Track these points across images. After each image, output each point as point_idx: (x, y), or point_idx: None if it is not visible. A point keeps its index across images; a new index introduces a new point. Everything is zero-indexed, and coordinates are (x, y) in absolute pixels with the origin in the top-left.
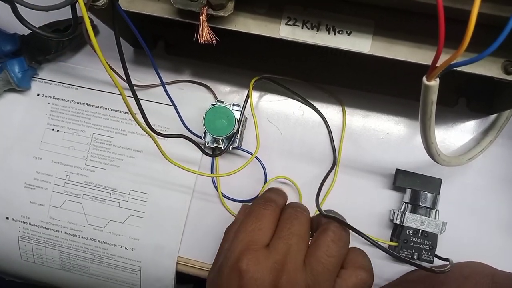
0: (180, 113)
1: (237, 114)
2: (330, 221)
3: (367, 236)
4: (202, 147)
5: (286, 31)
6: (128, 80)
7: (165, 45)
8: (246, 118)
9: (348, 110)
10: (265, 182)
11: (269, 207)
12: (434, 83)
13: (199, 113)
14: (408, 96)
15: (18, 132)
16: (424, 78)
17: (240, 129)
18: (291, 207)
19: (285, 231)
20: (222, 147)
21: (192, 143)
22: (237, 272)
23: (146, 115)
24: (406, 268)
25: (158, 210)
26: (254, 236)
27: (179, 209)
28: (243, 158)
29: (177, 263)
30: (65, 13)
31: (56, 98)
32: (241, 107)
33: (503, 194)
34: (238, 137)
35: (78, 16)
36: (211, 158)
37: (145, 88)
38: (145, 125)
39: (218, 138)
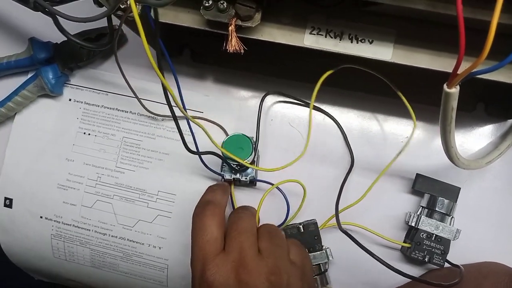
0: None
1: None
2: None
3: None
4: (226, 169)
5: (310, 40)
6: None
7: (191, 53)
8: (259, 150)
9: (367, 115)
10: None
11: (207, 211)
12: (455, 90)
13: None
14: (428, 101)
15: (51, 136)
16: (445, 86)
17: (255, 159)
18: (233, 212)
19: (233, 232)
20: (240, 178)
21: (221, 158)
22: (205, 285)
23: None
24: (416, 272)
25: (184, 210)
26: (206, 249)
27: None
28: (259, 189)
29: None
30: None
31: (87, 103)
32: (255, 136)
33: None
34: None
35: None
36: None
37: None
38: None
39: (235, 166)
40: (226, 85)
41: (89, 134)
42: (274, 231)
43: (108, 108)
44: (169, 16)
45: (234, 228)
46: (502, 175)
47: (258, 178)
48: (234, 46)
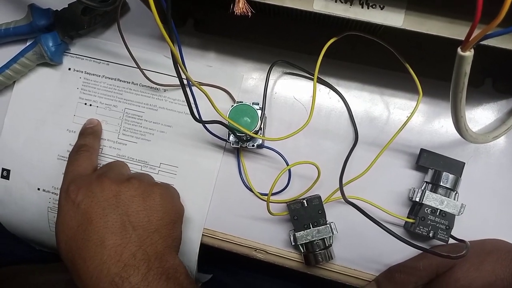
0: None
1: (258, 112)
2: None
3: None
4: (233, 137)
5: (320, 5)
6: (178, 75)
7: (194, 22)
8: (266, 116)
9: (373, 89)
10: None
11: (82, 152)
12: (469, 53)
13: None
14: (435, 75)
15: (51, 106)
16: (459, 49)
17: (262, 125)
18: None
19: (109, 163)
20: (248, 146)
21: (227, 128)
22: (69, 197)
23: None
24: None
25: (186, 183)
26: (74, 172)
27: (206, 182)
28: (264, 156)
29: (203, 234)
30: None
31: (87, 73)
32: (261, 104)
33: None
34: (262, 134)
35: None
36: (235, 152)
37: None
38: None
39: (242, 137)
40: (230, 56)
41: (90, 105)
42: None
43: (109, 78)
44: None
45: (109, 162)
46: (508, 151)
47: (265, 144)
48: (242, 8)
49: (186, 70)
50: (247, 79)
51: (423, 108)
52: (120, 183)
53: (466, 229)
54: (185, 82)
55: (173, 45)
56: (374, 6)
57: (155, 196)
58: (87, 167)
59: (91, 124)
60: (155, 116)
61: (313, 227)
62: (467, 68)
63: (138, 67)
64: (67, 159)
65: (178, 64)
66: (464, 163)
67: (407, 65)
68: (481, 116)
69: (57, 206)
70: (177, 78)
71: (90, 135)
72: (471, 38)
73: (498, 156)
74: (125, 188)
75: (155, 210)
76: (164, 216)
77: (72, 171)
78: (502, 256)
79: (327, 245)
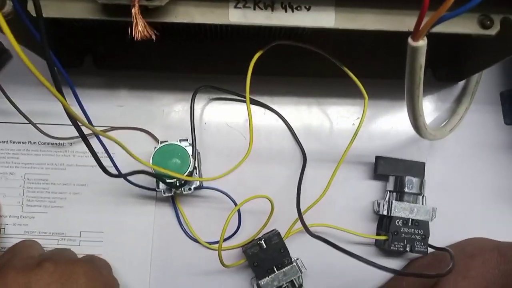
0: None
1: (188, 150)
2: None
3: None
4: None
5: (237, 15)
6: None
7: (93, 59)
8: (199, 152)
9: (312, 101)
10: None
11: None
12: (423, 42)
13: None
14: (374, 74)
15: None
16: (409, 40)
17: (196, 164)
18: None
19: (13, 246)
20: (183, 191)
21: (154, 177)
22: None
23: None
24: (398, 264)
25: (116, 249)
26: None
27: (141, 244)
28: (205, 197)
29: None
30: None
31: None
32: (191, 140)
33: (486, 161)
34: (197, 174)
35: None
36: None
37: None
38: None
39: (174, 183)
40: (145, 90)
41: None
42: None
43: None
44: (51, 8)
45: (13, 245)
46: (461, 140)
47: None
48: (142, 32)
49: (86, 113)
50: (169, 113)
51: (370, 111)
52: (29, 271)
53: (441, 233)
54: (88, 132)
55: (60, 90)
56: (299, 8)
57: (78, 277)
58: None
59: None
60: (64, 177)
61: (277, 270)
62: (422, 59)
63: (30, 121)
64: None
65: (68, 110)
66: (424, 162)
67: (345, 69)
68: (428, 109)
69: None
70: (83, 128)
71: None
72: (422, 25)
73: (454, 148)
74: (37, 276)
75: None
76: None
77: None
78: (487, 257)
79: (297, 286)
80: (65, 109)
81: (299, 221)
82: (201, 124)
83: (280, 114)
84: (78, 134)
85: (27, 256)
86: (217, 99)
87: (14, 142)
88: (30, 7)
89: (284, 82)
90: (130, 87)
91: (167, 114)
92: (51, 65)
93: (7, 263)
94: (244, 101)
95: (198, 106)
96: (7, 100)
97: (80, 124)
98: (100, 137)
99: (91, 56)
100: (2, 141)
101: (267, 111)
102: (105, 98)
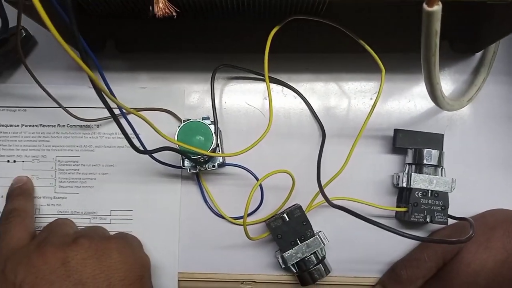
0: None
1: (211, 127)
2: None
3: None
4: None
5: None
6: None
7: (115, 43)
8: (220, 130)
9: (329, 77)
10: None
11: (12, 220)
12: (437, 7)
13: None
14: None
15: None
16: (424, 5)
17: (218, 141)
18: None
19: (48, 224)
20: (208, 168)
21: (179, 153)
22: (4, 279)
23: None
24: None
25: (146, 226)
26: (8, 247)
27: (169, 221)
28: (228, 174)
29: (178, 280)
30: None
31: (3, 126)
32: (212, 118)
33: (505, 131)
34: (220, 152)
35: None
36: (194, 177)
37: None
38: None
39: (198, 159)
40: (165, 72)
41: (14, 161)
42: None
43: (30, 126)
44: None
45: (49, 224)
46: (480, 111)
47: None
48: (163, 9)
49: (114, 95)
50: (189, 94)
51: (384, 86)
52: (66, 247)
53: (461, 205)
54: (117, 112)
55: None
56: None
57: (112, 253)
58: (21, 237)
59: (18, 183)
60: (93, 158)
61: (301, 242)
62: (437, 25)
63: (60, 105)
64: None
65: (101, 91)
66: (443, 134)
67: (362, 42)
68: (445, 81)
69: None
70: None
71: (19, 196)
72: None
73: (473, 119)
74: (73, 252)
75: (115, 269)
76: (128, 274)
77: (4, 246)
78: (509, 229)
79: (320, 258)
80: (98, 89)
81: (319, 195)
82: (220, 103)
83: (298, 91)
84: (105, 116)
85: (63, 233)
86: (236, 78)
87: (44, 125)
88: None
89: (301, 59)
90: (150, 70)
91: (188, 95)
92: (81, 49)
93: (45, 240)
94: (262, 79)
95: (217, 86)
96: (35, 85)
97: (110, 103)
98: (127, 117)
99: (112, 40)
100: (33, 125)
101: (285, 89)
102: (127, 81)
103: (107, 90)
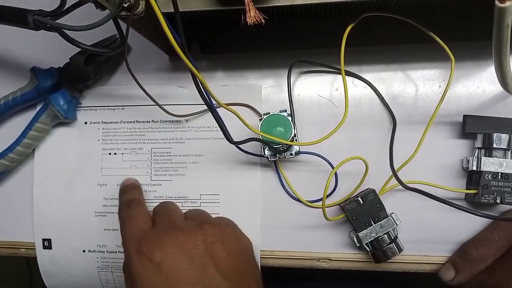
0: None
1: (289, 119)
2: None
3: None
4: (268, 151)
5: None
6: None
7: (200, 46)
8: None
9: (397, 67)
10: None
11: (134, 207)
12: (509, 3)
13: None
14: (459, 37)
15: (76, 164)
16: (496, 1)
17: (295, 132)
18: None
19: (160, 210)
20: (286, 156)
21: (263, 143)
22: (145, 259)
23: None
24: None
25: (231, 209)
26: (137, 229)
27: (251, 204)
28: (302, 161)
29: (261, 257)
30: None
31: (104, 123)
32: (289, 110)
33: None
34: (297, 141)
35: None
36: (271, 165)
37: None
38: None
39: (278, 148)
40: (242, 70)
41: (115, 153)
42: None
43: (127, 122)
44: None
45: (160, 208)
46: None
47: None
48: (254, 17)
49: (207, 91)
50: (265, 89)
51: (456, 73)
52: (195, 232)
53: None
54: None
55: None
56: None
57: (230, 238)
58: (145, 221)
59: (129, 181)
60: (183, 149)
61: (374, 223)
62: (509, 19)
63: (156, 103)
64: (119, 219)
65: (205, 89)
66: None
67: (432, 34)
68: None
69: (107, 264)
70: (196, 106)
71: (133, 190)
72: None
73: None
74: (203, 236)
75: (235, 251)
76: (245, 254)
77: (132, 228)
78: None
79: (393, 238)
80: (201, 84)
81: (392, 180)
82: (294, 96)
83: (369, 81)
84: (192, 112)
85: (177, 215)
86: (307, 72)
87: (140, 121)
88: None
89: (371, 51)
90: (226, 68)
91: (263, 89)
92: (186, 54)
93: (173, 225)
94: (332, 72)
95: (291, 80)
96: (131, 86)
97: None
98: (218, 111)
99: (197, 43)
100: (130, 121)
101: (356, 80)
102: (211, 79)
103: (206, 84)
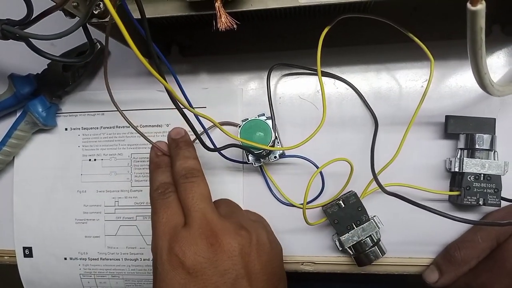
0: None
1: (268, 123)
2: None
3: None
4: (251, 157)
5: None
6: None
7: (179, 49)
8: (276, 124)
9: (378, 67)
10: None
11: (168, 194)
12: (481, 6)
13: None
14: (437, 36)
15: (56, 171)
16: (468, 4)
17: (276, 135)
18: (181, 176)
19: (190, 201)
20: (270, 159)
21: (243, 149)
22: (176, 261)
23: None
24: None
25: None
26: (169, 225)
27: None
28: (287, 164)
29: None
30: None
31: (85, 129)
32: (269, 113)
33: None
34: (279, 144)
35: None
36: (256, 169)
37: None
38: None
39: (261, 153)
40: (223, 73)
41: (95, 159)
42: (228, 200)
43: (107, 128)
44: (148, 10)
45: (190, 197)
46: None
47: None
48: (225, 23)
49: (187, 98)
50: (246, 92)
51: (436, 72)
52: (232, 239)
53: None
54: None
55: (164, 77)
56: None
57: (265, 247)
58: (181, 214)
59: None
60: None
61: (356, 227)
62: (482, 22)
63: (118, 109)
64: (150, 202)
65: (174, 99)
66: (494, 118)
67: (411, 35)
68: (496, 65)
69: (89, 271)
70: (176, 110)
71: (165, 170)
72: None
73: None
74: (239, 246)
75: (270, 263)
76: (277, 265)
77: (165, 221)
78: None
79: (375, 241)
80: (170, 95)
81: (374, 182)
82: (275, 98)
83: (350, 83)
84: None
85: (211, 209)
86: (289, 74)
87: (119, 127)
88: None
89: (352, 52)
90: (210, 71)
91: (244, 92)
92: (155, 58)
93: (204, 223)
94: (314, 74)
95: (271, 82)
96: (112, 91)
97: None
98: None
99: (177, 46)
100: (110, 127)
101: (337, 81)
102: (191, 82)
103: (184, 99)
